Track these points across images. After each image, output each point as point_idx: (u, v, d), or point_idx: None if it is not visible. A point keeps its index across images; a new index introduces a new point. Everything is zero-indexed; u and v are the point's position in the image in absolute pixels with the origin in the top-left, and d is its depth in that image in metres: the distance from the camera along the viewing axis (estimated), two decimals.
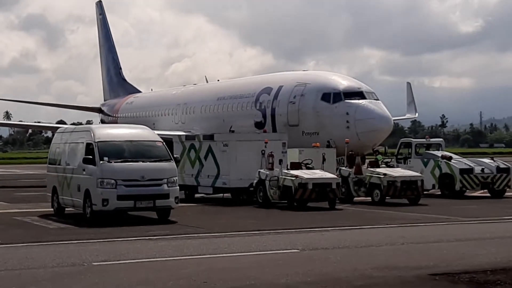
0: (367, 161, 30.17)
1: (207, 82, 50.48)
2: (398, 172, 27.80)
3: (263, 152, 27.19)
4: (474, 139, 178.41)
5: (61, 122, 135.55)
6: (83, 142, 22.04)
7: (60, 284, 11.53)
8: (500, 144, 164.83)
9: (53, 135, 44.68)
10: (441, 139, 35.78)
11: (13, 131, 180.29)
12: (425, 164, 31.09)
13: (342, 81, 34.98)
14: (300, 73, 38.45)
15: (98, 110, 59.85)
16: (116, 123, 52.08)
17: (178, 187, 21.68)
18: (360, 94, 33.60)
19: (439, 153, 31.66)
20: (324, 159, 28.69)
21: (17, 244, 16.48)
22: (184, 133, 37.12)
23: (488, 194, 30.40)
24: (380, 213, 23.64)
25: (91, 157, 21.19)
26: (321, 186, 25.05)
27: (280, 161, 26.55)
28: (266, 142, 27.45)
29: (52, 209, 23.68)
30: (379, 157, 31.09)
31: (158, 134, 23.69)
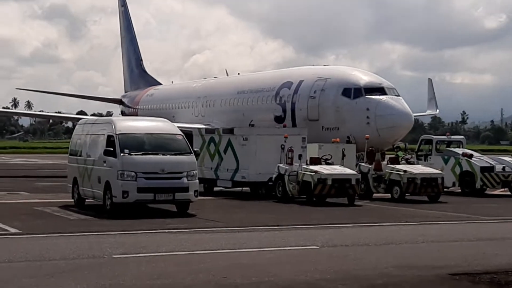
0: (387, 157, 30.06)
1: (227, 75, 50.48)
2: (418, 169, 27.68)
3: (282, 146, 27.17)
4: (495, 136, 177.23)
5: (82, 112, 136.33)
6: (104, 134, 22.13)
7: (80, 276, 11.59)
8: None
9: (73, 125, 44.93)
10: (462, 137, 35.55)
11: (34, 121, 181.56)
12: (446, 162, 30.94)
13: (363, 76, 34.83)
14: (321, 68, 38.32)
15: (119, 102, 60.06)
16: (137, 115, 52.28)
17: (197, 181, 21.72)
18: (381, 90, 33.45)
19: (460, 151, 31.48)
20: (343, 155, 28.61)
21: (38, 234, 16.60)
22: (204, 126, 37.14)
23: (509, 193, 30.19)
24: (399, 210, 23.56)
25: (112, 149, 21.27)
26: (340, 182, 24.99)
27: (300, 156, 26.51)
28: (285, 137, 27.42)
29: (72, 200, 23.81)
30: (400, 153, 30.97)
31: (178, 127, 23.71)
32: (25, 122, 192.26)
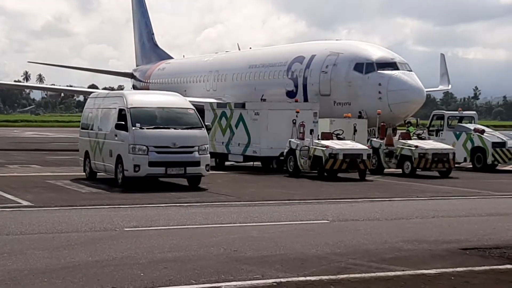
0: (398, 132, 30.02)
1: (239, 49, 50.36)
2: (430, 144, 27.64)
3: (294, 121, 27.18)
4: (507, 112, 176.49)
5: (93, 86, 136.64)
6: (115, 108, 22.18)
7: (92, 248, 11.68)
8: None
9: (85, 99, 45.02)
10: (474, 112, 35.43)
11: (45, 94, 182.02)
12: (457, 137, 30.86)
13: (375, 51, 34.70)
14: (333, 43, 38.18)
15: (130, 76, 60.10)
16: (148, 89, 52.32)
17: (209, 155, 21.77)
18: (393, 65, 33.33)
19: (471, 126, 31.38)
20: (355, 130, 28.60)
21: (50, 207, 16.72)
22: (215, 101, 37.16)
23: None
24: (410, 185, 23.56)
25: (123, 123, 21.33)
26: (351, 157, 25.00)
27: (311, 131, 26.50)
28: (297, 112, 27.41)
29: (84, 174, 23.93)
30: (411, 128, 30.90)
31: (190, 101, 23.74)
32: (36, 95, 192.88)
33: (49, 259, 10.88)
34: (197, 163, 21.19)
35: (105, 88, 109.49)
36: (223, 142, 29.70)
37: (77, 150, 25.46)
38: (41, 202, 17.60)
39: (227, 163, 30.10)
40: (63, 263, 10.66)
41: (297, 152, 26.05)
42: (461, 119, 32.95)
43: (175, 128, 21.43)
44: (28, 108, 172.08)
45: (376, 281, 9.89)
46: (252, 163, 29.55)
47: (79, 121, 26.22)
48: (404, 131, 30.06)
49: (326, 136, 26.80)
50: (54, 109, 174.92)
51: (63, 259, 10.92)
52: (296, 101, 32.66)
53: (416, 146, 26.90)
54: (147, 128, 21.13)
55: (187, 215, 15.80)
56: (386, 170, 27.83)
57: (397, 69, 33.10)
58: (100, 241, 12.34)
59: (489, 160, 29.69)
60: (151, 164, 20.81)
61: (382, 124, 28.79)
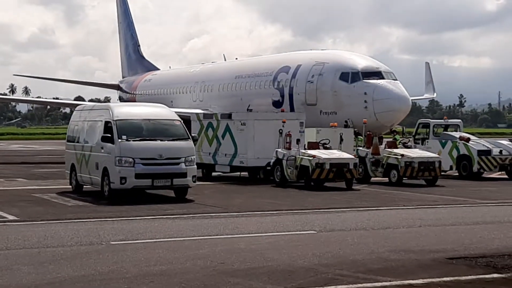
0: (384, 141, 30.09)
1: (225, 60, 50.43)
2: (416, 153, 27.71)
3: (280, 131, 27.21)
4: (492, 119, 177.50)
5: (79, 98, 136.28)
6: (101, 120, 22.13)
7: (79, 263, 11.62)
8: None
9: (71, 111, 44.87)
10: (459, 120, 35.58)
11: (31, 107, 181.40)
12: (443, 145, 30.96)
13: (361, 60, 34.85)
14: (318, 52, 38.34)
15: (117, 87, 60.02)
16: (134, 100, 52.26)
17: (195, 166, 21.74)
18: (378, 74, 33.47)
19: (457, 134, 31.50)
20: (341, 139, 28.65)
21: (36, 221, 16.62)
22: (202, 111, 37.15)
23: (506, 176, 30.26)
24: (397, 194, 23.61)
25: (109, 135, 21.28)
26: (338, 166, 25.02)
27: (298, 141, 26.52)
28: (284, 122, 27.45)
29: (70, 187, 23.84)
30: (398, 137, 31.00)
31: (176, 112, 23.74)
32: (22, 108, 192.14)
33: (35, 275, 10.82)
34: (183, 175, 21.16)
35: (91, 100, 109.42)
36: (209, 153, 29.68)
37: (64, 163, 25.37)
38: (27, 216, 17.51)
39: (214, 173, 30.06)
40: (49, 278, 10.61)
41: (284, 162, 26.07)
42: (446, 127, 33.08)
43: (161, 140, 21.40)
44: (14, 120, 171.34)
45: None
46: (239, 173, 29.53)
47: (66, 133, 26.13)
48: (391, 139, 30.15)
49: (313, 145, 26.84)
50: (41, 121, 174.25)
51: (49, 274, 10.86)
52: (283, 111, 32.70)
53: (402, 155, 26.97)
54: (133, 140, 21.08)
55: (174, 227, 15.76)
56: (372, 179, 27.89)
57: (382, 78, 33.24)
58: (86, 255, 12.29)
59: (475, 168, 29.78)
60: (138, 176, 20.76)
61: (368, 133, 28.87)
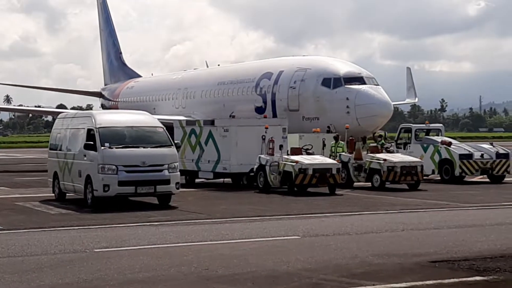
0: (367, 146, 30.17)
1: (207, 66, 50.45)
2: (398, 157, 27.87)
3: (263, 137, 27.26)
4: (474, 123, 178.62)
5: (62, 106, 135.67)
6: (84, 128, 22.10)
7: (62, 271, 11.60)
8: (500, 129, 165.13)
9: (53, 119, 44.72)
10: (441, 125, 35.80)
11: (13, 115, 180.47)
12: (425, 150, 31.16)
13: (343, 66, 34.99)
14: (300, 58, 38.46)
15: (99, 95, 59.85)
16: (117, 107, 52.15)
17: (179, 173, 21.75)
18: (360, 80, 33.62)
19: (439, 139, 31.71)
20: (324, 145, 28.76)
21: (19, 230, 16.57)
22: (184, 118, 37.14)
23: (488, 180, 30.47)
24: (380, 198, 23.72)
25: (92, 143, 21.25)
26: (321, 172, 25.12)
27: (281, 147, 26.59)
28: (266, 128, 27.51)
29: (53, 195, 23.77)
30: (381, 142, 31.14)
31: (159, 119, 23.74)
32: (4, 116, 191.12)
33: (19, 283, 10.79)
34: (167, 181, 21.16)
35: (73, 108, 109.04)
36: (193, 160, 29.69)
37: (46, 171, 25.29)
38: (10, 224, 17.44)
39: (197, 180, 30.07)
40: (33, 286, 10.59)
41: (267, 168, 26.12)
42: (428, 131, 33.30)
43: (144, 147, 21.40)
44: None
45: None
46: (222, 179, 29.55)
47: (48, 141, 26.05)
48: (373, 144, 30.27)
49: (296, 151, 26.91)
50: (22, 130, 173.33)
51: (32, 282, 10.83)
52: (265, 117, 32.74)
53: (385, 160, 27.11)
54: (116, 148, 21.06)
55: (157, 234, 15.76)
56: (355, 184, 28.01)
57: (364, 83, 33.39)
58: (70, 263, 12.26)
59: (457, 172, 29.97)
60: (121, 183, 20.73)
61: (350, 138, 28.98)
